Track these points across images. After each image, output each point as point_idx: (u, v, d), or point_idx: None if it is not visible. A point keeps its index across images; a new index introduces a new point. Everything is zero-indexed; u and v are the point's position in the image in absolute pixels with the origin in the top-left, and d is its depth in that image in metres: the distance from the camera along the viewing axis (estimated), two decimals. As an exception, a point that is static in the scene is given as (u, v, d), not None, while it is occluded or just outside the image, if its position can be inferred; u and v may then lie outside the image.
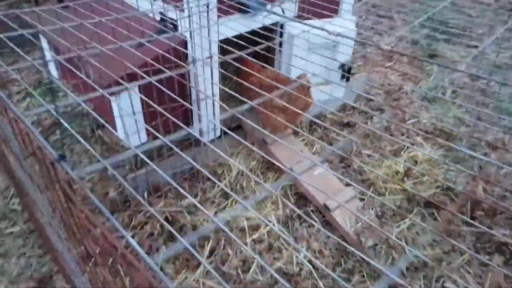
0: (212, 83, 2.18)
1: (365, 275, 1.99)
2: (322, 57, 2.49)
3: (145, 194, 2.27)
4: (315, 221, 2.22)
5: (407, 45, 4.34)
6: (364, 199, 2.33)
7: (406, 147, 2.80)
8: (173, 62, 1.75)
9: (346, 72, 2.50)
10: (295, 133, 2.82)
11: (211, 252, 2.05)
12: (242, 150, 2.69)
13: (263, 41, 1.80)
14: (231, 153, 2.65)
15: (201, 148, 2.42)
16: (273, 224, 2.20)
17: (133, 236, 2.10)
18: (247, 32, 1.91)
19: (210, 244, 2.06)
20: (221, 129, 2.51)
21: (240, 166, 1.98)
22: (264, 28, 2.22)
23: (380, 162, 2.69)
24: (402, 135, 3.05)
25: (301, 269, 2.03)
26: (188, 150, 2.41)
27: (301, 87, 2.24)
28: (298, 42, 2.34)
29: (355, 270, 2.02)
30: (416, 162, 2.69)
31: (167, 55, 1.68)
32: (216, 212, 2.30)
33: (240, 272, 1.97)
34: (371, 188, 2.47)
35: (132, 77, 1.74)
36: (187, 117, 2.41)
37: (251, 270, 1.98)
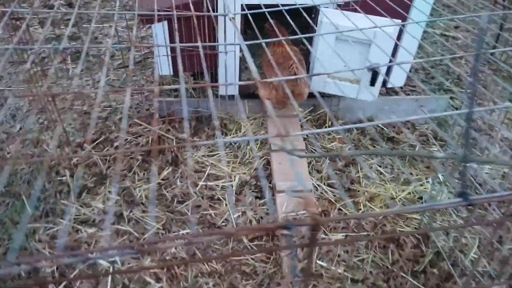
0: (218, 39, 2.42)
1: (265, 259, 2.03)
2: (353, 53, 2.42)
3: (156, 116, 2.72)
4: (264, 195, 2.31)
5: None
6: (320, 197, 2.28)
7: (426, 179, 2.51)
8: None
9: (373, 76, 2.36)
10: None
11: (169, 176, 2.39)
12: (260, 117, 2.85)
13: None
14: (248, 116, 2.85)
15: (218, 99, 2.71)
16: (232, 182, 2.39)
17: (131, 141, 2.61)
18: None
19: (168, 171, 2.40)
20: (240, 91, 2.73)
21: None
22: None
23: (386, 182, 2.49)
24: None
25: (225, 225, 2.19)
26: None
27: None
28: (325, 30, 2.32)
29: (260, 248, 2.07)
30: (421, 198, 2.39)
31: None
32: (203, 155, 2.60)
33: (174, 200, 2.27)
34: (351, 198, 2.36)
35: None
36: (214, 68, 2.69)
37: (184, 204, 2.25)
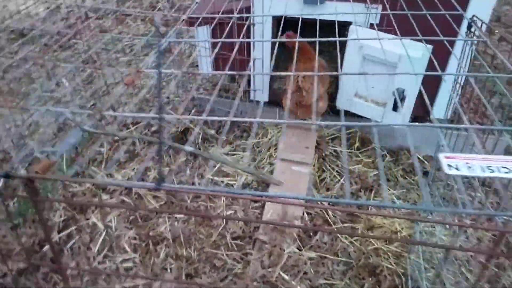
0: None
1: (238, 258, 2.08)
2: (380, 73, 2.33)
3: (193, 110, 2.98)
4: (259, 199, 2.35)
5: None
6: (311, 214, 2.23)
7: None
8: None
9: (399, 100, 2.22)
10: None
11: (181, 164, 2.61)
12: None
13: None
14: (276, 124, 2.91)
15: (247, 104, 2.85)
16: (236, 182, 2.49)
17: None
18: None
19: (182, 159, 2.62)
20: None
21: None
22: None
23: (397, 216, 2.33)
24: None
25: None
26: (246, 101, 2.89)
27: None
28: (351, 48, 2.27)
29: (239, 248, 2.13)
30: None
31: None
32: (226, 153, 2.76)
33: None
34: (351, 222, 2.27)
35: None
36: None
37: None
